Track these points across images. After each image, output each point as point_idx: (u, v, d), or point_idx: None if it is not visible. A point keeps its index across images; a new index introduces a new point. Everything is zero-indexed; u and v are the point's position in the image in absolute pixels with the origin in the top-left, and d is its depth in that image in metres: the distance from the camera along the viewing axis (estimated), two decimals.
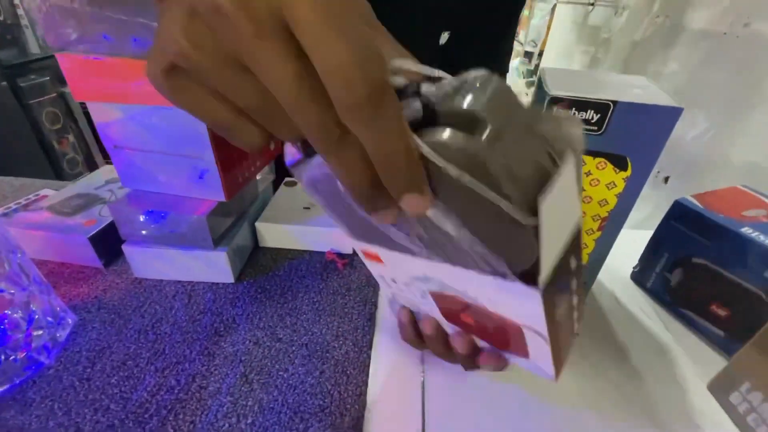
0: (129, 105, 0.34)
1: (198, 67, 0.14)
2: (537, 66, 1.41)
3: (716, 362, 0.36)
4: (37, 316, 0.32)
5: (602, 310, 0.42)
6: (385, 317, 0.38)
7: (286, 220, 0.45)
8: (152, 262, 0.40)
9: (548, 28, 1.27)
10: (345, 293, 0.41)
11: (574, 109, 0.30)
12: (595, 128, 0.31)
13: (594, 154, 0.32)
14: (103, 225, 0.42)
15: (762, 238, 0.33)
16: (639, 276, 0.44)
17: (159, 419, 0.29)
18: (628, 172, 0.32)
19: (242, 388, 0.31)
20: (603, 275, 0.45)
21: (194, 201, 0.38)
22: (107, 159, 1.23)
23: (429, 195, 0.15)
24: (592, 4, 1.02)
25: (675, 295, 0.40)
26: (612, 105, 0.29)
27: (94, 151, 1.35)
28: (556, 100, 0.31)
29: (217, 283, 0.41)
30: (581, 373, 0.35)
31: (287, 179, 0.54)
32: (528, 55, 1.56)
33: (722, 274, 0.36)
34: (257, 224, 0.45)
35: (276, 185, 0.52)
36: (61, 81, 1.20)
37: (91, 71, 0.32)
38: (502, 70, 0.63)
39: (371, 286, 0.42)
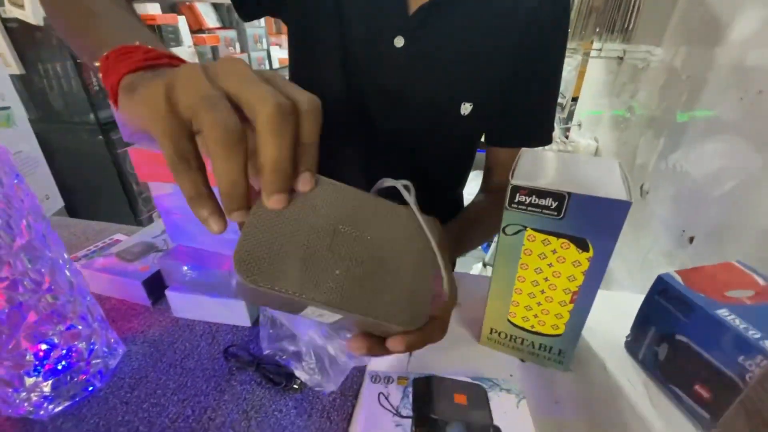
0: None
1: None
2: (571, 113, 1.43)
3: None
4: (96, 347, 0.40)
5: (589, 378, 0.42)
6: (372, 369, 0.43)
7: None
8: (187, 305, 0.48)
9: (580, 78, 1.29)
10: None
11: (534, 196, 0.34)
12: (555, 213, 0.34)
13: (557, 235, 0.35)
14: (153, 271, 0.51)
15: (738, 322, 0.34)
16: (631, 346, 0.45)
17: None
18: (590, 253, 0.35)
19: (242, 423, 0.37)
20: (596, 341, 0.46)
21: (224, 257, 0.46)
22: None
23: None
24: (622, 58, 1.04)
25: (664, 370, 0.40)
26: (567, 195, 0.33)
27: None
28: (517, 188, 0.35)
29: (237, 326, 0.48)
30: None
31: None
32: (558, 104, 1.61)
33: (702, 355, 0.36)
34: None
35: None
36: None
37: (152, 161, 0.42)
38: (539, 138, 0.63)
39: None
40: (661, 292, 0.40)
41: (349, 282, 0.23)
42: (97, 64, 0.29)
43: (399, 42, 0.55)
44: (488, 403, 0.33)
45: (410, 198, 0.27)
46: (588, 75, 1.26)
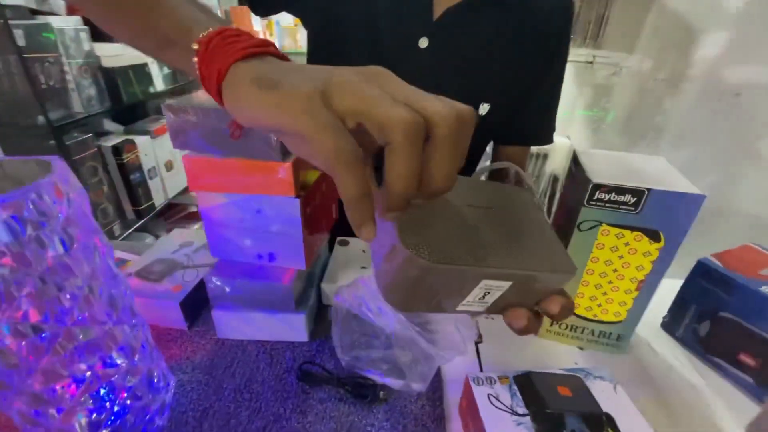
0: (232, 193, 0.39)
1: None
2: None
3: (749, 406, 0.41)
4: (155, 381, 0.36)
5: (639, 358, 0.46)
6: (448, 371, 0.43)
7: (348, 279, 0.50)
8: (236, 324, 0.45)
9: None
10: None
11: (614, 193, 0.37)
12: (633, 208, 0.37)
13: (631, 228, 0.38)
14: (189, 290, 0.46)
15: None
16: (669, 326, 0.49)
17: None
18: (662, 244, 0.38)
19: None
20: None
21: (276, 269, 0.43)
22: (135, 206, 1.30)
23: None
24: (591, 63, 1.13)
25: (705, 344, 0.45)
26: (647, 191, 0.36)
27: (122, 197, 1.40)
28: (598, 186, 0.37)
29: (293, 342, 0.45)
30: None
31: (339, 238, 0.59)
32: None
33: (747, 327, 0.41)
34: (323, 285, 0.50)
35: (330, 245, 0.58)
36: (99, 135, 1.27)
37: (207, 168, 0.38)
38: (544, 136, 0.68)
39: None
40: (702, 275, 0.44)
41: (506, 247, 0.25)
42: (195, 46, 0.26)
43: (423, 43, 0.57)
44: (591, 392, 0.34)
45: (527, 178, 0.32)
46: None
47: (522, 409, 0.32)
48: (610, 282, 0.41)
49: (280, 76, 0.23)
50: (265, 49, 0.26)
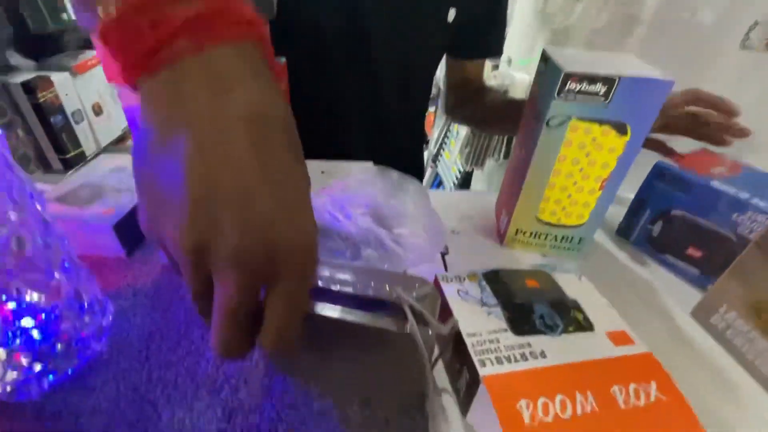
0: None
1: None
2: None
3: (692, 295, 0.43)
4: (85, 303, 0.31)
5: (596, 262, 0.48)
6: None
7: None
8: None
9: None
10: None
11: (585, 83, 0.35)
12: (603, 99, 0.35)
13: (600, 122, 0.37)
14: (124, 213, 0.41)
15: (728, 188, 0.40)
16: (624, 230, 0.51)
17: (230, 387, 0.30)
18: (628, 137, 0.37)
19: None
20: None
21: None
22: (60, 155, 1.16)
23: None
24: None
25: (656, 244, 0.47)
26: (617, 79, 0.34)
27: (42, 144, 1.24)
28: (569, 75, 0.35)
29: None
30: None
31: None
32: None
33: (698, 222, 0.42)
34: None
35: None
36: (4, 71, 1.09)
37: None
38: (499, 47, 0.72)
39: None
40: (659, 177, 0.45)
41: None
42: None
43: None
44: (558, 283, 0.34)
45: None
46: (515, 14, 1.31)
47: (492, 300, 0.32)
48: (575, 183, 0.41)
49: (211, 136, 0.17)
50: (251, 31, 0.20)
